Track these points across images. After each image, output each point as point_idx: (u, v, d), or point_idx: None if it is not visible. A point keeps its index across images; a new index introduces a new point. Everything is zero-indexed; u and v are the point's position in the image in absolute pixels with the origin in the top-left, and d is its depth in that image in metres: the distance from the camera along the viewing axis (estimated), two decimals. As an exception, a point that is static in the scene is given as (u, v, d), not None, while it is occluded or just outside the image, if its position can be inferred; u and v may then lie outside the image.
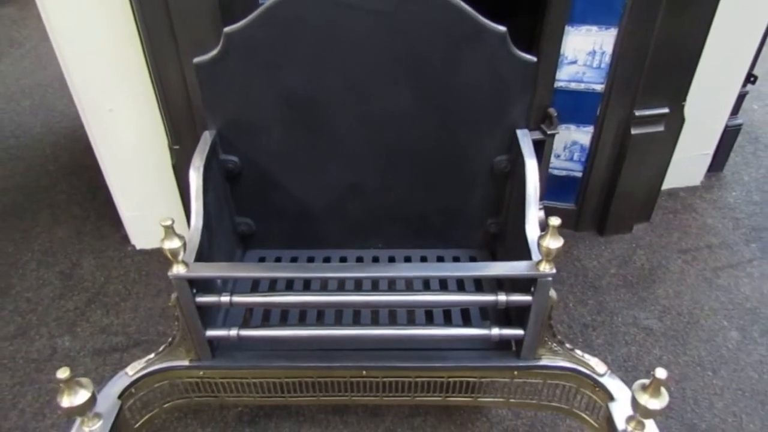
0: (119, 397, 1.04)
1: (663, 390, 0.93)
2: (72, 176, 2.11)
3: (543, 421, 1.30)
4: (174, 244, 0.91)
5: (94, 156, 2.15)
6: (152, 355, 1.09)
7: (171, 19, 1.25)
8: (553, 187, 1.77)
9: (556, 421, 1.30)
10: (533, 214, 1.06)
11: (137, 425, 1.13)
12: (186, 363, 1.08)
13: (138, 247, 1.78)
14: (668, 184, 1.95)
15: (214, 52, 1.07)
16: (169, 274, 0.95)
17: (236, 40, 1.06)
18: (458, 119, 1.16)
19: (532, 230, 1.04)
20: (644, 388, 0.94)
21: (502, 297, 0.99)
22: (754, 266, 1.70)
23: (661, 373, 0.90)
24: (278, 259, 1.34)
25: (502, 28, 1.05)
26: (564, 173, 1.74)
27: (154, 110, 1.50)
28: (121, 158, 1.59)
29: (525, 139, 1.15)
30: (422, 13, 1.03)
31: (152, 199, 1.66)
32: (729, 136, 2.01)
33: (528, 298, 0.98)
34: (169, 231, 0.91)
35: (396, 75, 1.11)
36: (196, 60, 1.08)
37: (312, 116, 1.17)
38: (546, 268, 0.94)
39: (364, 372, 1.09)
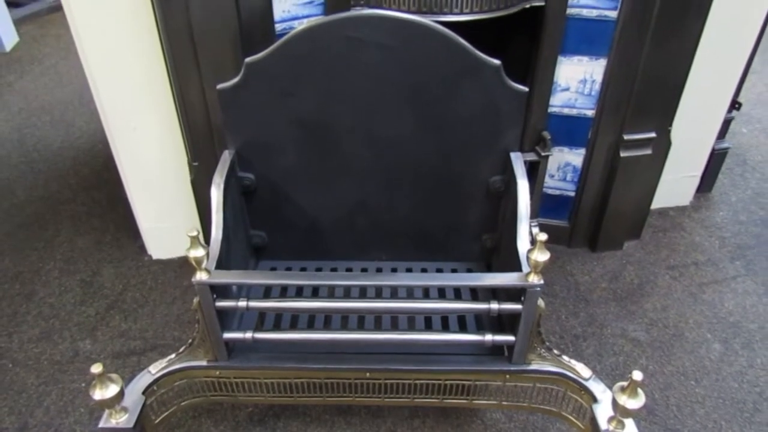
0: (143, 393, 1.14)
1: (639, 391, 1.02)
2: (92, 189, 2.22)
3: (534, 425, 1.38)
4: (199, 252, 1.01)
5: (113, 170, 2.27)
6: (173, 356, 1.19)
7: (195, 47, 1.37)
8: (548, 206, 1.87)
9: (546, 425, 1.38)
10: (524, 230, 1.16)
11: (157, 421, 1.22)
12: (204, 363, 1.18)
13: (154, 257, 1.88)
14: (658, 203, 2.05)
15: (235, 80, 1.18)
16: (193, 280, 1.05)
17: (256, 69, 1.17)
18: (456, 143, 1.27)
19: (522, 244, 1.14)
20: (623, 389, 1.03)
21: (494, 305, 1.09)
22: (738, 283, 1.79)
23: (637, 375, 1.00)
24: (288, 269, 1.43)
25: (497, 62, 1.16)
26: (558, 192, 1.84)
27: (175, 129, 1.61)
28: (142, 173, 1.70)
29: (518, 162, 1.25)
30: (424, 47, 1.14)
31: (170, 212, 1.76)
32: (716, 159, 2.11)
33: (518, 306, 1.08)
34: (195, 241, 1.01)
35: (400, 102, 1.22)
36: (219, 86, 1.19)
37: (323, 138, 1.27)
38: (534, 279, 1.04)
39: (367, 374, 1.19)
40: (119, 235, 1.98)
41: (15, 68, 3.26)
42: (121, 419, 1.08)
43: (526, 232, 1.16)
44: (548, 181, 1.81)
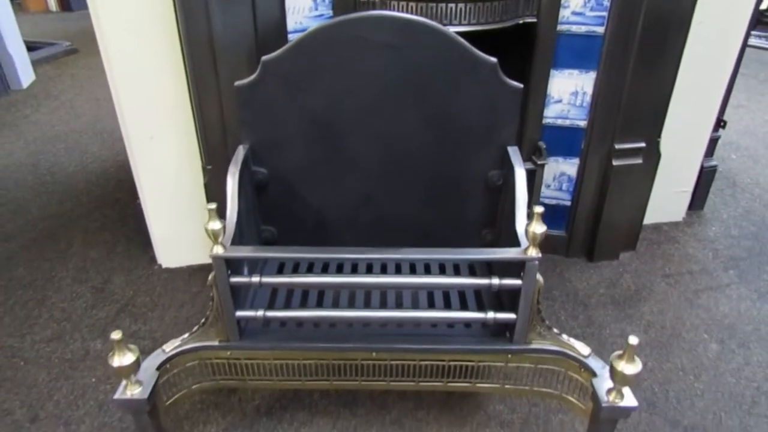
0: (157, 369, 1.17)
1: (636, 358, 1.07)
2: (104, 207, 2.29)
3: (536, 415, 1.40)
4: (216, 225, 1.08)
5: (125, 190, 2.37)
6: (186, 335, 1.23)
7: (214, 55, 1.47)
8: (545, 216, 1.92)
9: (548, 416, 1.40)
10: (522, 213, 1.23)
11: (168, 403, 1.25)
12: (216, 343, 1.22)
13: (164, 266, 1.93)
14: (652, 219, 2.13)
15: (252, 77, 1.28)
16: (210, 254, 1.10)
17: (271, 68, 1.27)
18: (456, 138, 1.35)
19: (521, 227, 1.20)
20: (620, 357, 1.07)
21: (495, 280, 1.14)
22: (732, 289, 1.85)
23: (633, 340, 1.04)
24: (296, 265, 1.49)
25: (493, 59, 1.26)
26: (554, 202, 1.92)
27: (190, 139, 1.70)
28: (157, 181, 1.77)
29: (515, 155, 1.33)
30: (427, 46, 1.24)
31: (182, 220, 1.83)
32: (706, 177, 2.20)
33: (518, 281, 1.13)
34: (213, 214, 1.07)
35: (404, 99, 1.31)
36: (237, 83, 1.29)
37: (331, 134, 1.36)
38: (533, 252, 1.10)
39: (373, 354, 1.23)
40: (130, 247, 2.04)
41: (31, 103, 3.40)
42: (135, 391, 1.12)
43: (523, 216, 1.23)
44: (544, 191, 1.89)
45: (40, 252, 2.03)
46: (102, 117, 3.20)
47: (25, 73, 3.70)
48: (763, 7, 4.80)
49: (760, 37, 4.55)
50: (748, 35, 1.95)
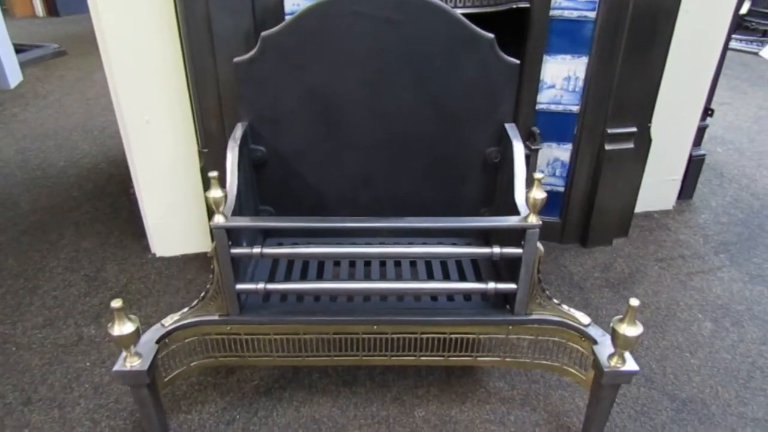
0: (156, 342, 1.16)
1: (637, 321, 1.07)
2: (95, 200, 2.27)
3: (537, 391, 1.41)
4: (218, 194, 1.07)
5: (116, 184, 2.36)
6: (186, 310, 1.22)
7: (212, 36, 1.47)
8: (539, 202, 1.95)
9: (548, 392, 1.41)
10: (521, 186, 1.24)
11: (167, 379, 1.23)
12: (216, 317, 1.21)
13: (158, 254, 1.91)
14: (643, 207, 2.15)
15: (251, 53, 1.29)
16: (211, 223, 1.10)
17: (270, 43, 1.28)
18: (455, 114, 1.36)
19: (519, 197, 1.22)
20: (621, 320, 1.08)
21: (496, 249, 1.15)
22: (724, 272, 1.87)
23: (634, 301, 1.05)
24: (294, 244, 1.48)
25: (491, 35, 1.27)
26: (548, 188, 1.93)
27: (186, 120, 1.69)
28: (152, 167, 1.76)
29: (512, 131, 1.34)
30: (426, 21, 1.26)
31: (177, 207, 1.82)
32: (695, 165, 2.24)
33: (519, 250, 1.14)
34: (215, 182, 1.07)
35: (402, 75, 1.32)
36: (236, 59, 1.29)
37: (330, 112, 1.36)
38: (533, 219, 1.11)
39: (375, 327, 1.22)
40: (123, 237, 2.02)
41: (19, 102, 3.37)
42: (135, 363, 1.10)
43: (522, 188, 1.24)
44: (539, 177, 1.90)
45: (31, 243, 2.00)
46: (92, 116, 3.18)
47: (13, 74, 3.67)
48: (742, 11, 4.93)
49: (741, 40, 4.67)
50: (729, 38, 2.00)
